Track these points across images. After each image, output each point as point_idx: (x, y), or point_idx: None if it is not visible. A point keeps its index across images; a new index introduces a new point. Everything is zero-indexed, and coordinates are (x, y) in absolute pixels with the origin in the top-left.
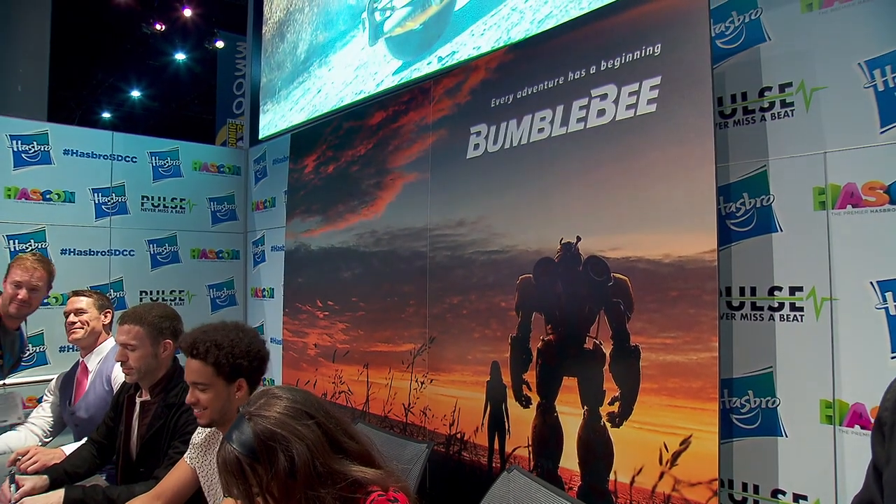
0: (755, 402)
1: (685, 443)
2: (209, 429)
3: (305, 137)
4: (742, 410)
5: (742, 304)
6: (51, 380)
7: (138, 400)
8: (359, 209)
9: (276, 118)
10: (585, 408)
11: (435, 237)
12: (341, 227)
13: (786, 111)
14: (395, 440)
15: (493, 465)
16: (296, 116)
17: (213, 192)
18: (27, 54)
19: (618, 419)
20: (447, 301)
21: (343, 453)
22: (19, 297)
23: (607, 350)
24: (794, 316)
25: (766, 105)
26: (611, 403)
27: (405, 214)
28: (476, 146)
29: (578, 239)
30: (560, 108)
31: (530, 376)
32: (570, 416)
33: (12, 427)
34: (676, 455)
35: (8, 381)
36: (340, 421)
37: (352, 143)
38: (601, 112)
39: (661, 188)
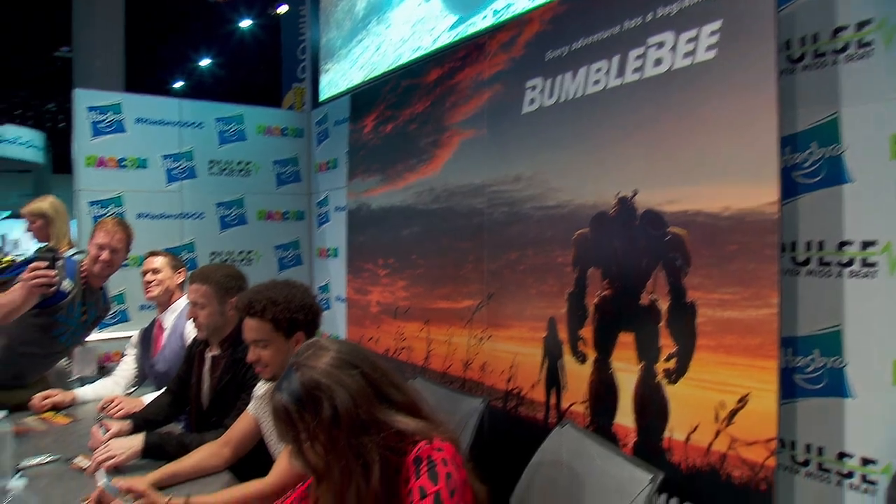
0: (821, 361)
1: (742, 401)
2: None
3: (364, 97)
4: (806, 370)
5: (808, 260)
6: (132, 336)
7: (208, 355)
8: (417, 167)
9: (337, 77)
10: (641, 364)
11: (492, 193)
12: (400, 185)
13: (863, 52)
14: (451, 395)
15: (549, 420)
16: (355, 75)
17: (277, 155)
18: (104, 30)
19: (674, 376)
20: (504, 257)
21: (388, 403)
22: (102, 258)
23: (664, 306)
24: (866, 272)
25: (839, 47)
26: (667, 360)
27: (462, 171)
28: (531, 101)
29: (635, 193)
30: (616, 59)
31: (587, 332)
32: (626, 372)
33: (88, 381)
34: (733, 413)
35: (93, 336)
36: (386, 372)
37: (409, 101)
38: (658, 61)
39: (720, 139)
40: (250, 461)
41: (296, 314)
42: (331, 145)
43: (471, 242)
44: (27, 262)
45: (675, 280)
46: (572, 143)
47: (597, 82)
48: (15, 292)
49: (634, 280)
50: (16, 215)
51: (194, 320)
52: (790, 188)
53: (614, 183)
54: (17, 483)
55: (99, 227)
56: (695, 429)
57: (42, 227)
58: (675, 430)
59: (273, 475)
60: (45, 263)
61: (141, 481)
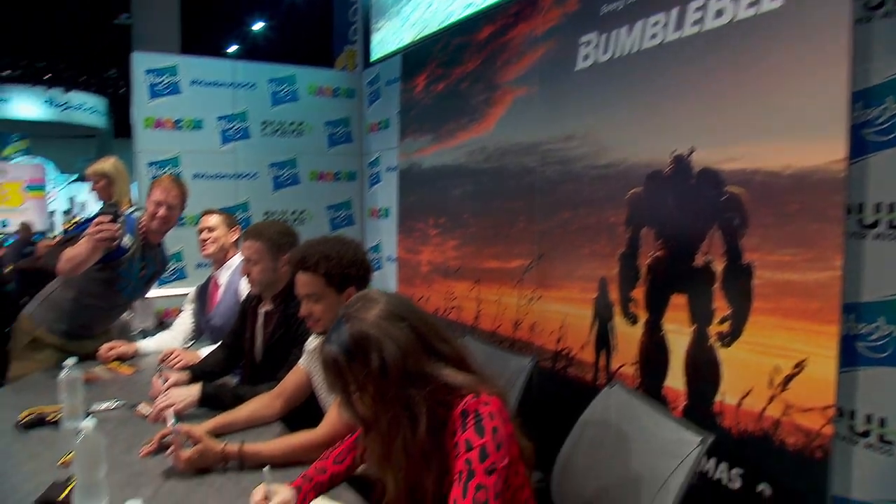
0: (886, 329)
1: (799, 366)
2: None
3: (416, 56)
4: (870, 338)
5: (876, 223)
6: (189, 292)
7: (261, 310)
8: (469, 126)
9: (388, 36)
10: (694, 326)
11: (544, 152)
12: (452, 144)
13: None
14: (499, 354)
15: (598, 381)
16: (407, 34)
17: (329, 116)
18: None
19: (727, 339)
20: (556, 217)
21: (436, 356)
22: (159, 214)
23: (719, 267)
24: None
25: None
26: (720, 322)
27: (514, 130)
28: (585, 57)
29: (691, 151)
30: (674, 12)
31: (638, 293)
32: (678, 334)
33: (149, 334)
34: (789, 378)
35: (153, 293)
36: (434, 326)
37: (461, 59)
38: (719, 13)
39: (784, 93)
40: (301, 413)
41: (348, 269)
42: (382, 105)
43: (522, 202)
44: (91, 218)
45: (732, 241)
46: (627, 100)
47: (654, 36)
48: (81, 246)
49: (689, 240)
50: (82, 178)
51: (247, 276)
52: (860, 146)
53: (670, 141)
54: (88, 423)
55: (156, 184)
56: (747, 393)
57: (105, 186)
58: (727, 394)
59: (323, 426)
60: (109, 218)
61: (197, 428)
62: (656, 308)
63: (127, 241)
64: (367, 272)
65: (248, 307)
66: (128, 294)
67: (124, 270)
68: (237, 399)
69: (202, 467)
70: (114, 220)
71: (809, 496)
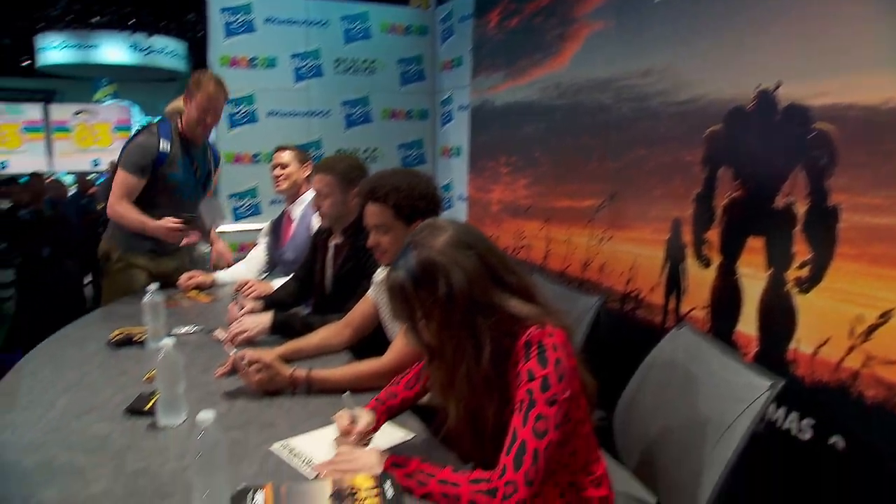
0: None
1: (885, 316)
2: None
3: None
4: None
5: None
6: (264, 226)
7: (331, 243)
8: (542, 62)
9: None
10: (770, 270)
11: (620, 88)
12: (525, 81)
13: None
14: (567, 293)
15: (667, 324)
16: None
17: (401, 54)
18: None
19: (806, 285)
20: (630, 155)
21: (502, 286)
22: (207, 121)
23: (801, 209)
24: None
25: None
26: (799, 267)
27: (589, 65)
28: None
29: (777, 85)
30: None
31: (713, 235)
32: (753, 278)
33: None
34: (872, 329)
35: (228, 227)
36: (502, 256)
37: None
38: None
39: (883, 20)
40: (369, 344)
41: (417, 202)
42: (455, 43)
43: (595, 140)
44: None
45: (817, 181)
46: (709, 32)
47: None
48: (141, 220)
49: (770, 180)
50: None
51: (318, 209)
52: None
53: (755, 75)
54: (167, 342)
55: (202, 88)
56: (825, 342)
57: None
58: (802, 342)
59: (389, 355)
60: (180, 223)
61: (268, 354)
62: (731, 251)
63: (164, 146)
64: (436, 206)
65: (318, 240)
66: (189, 196)
67: (175, 174)
68: (307, 327)
69: (272, 390)
70: (185, 225)
71: (886, 451)
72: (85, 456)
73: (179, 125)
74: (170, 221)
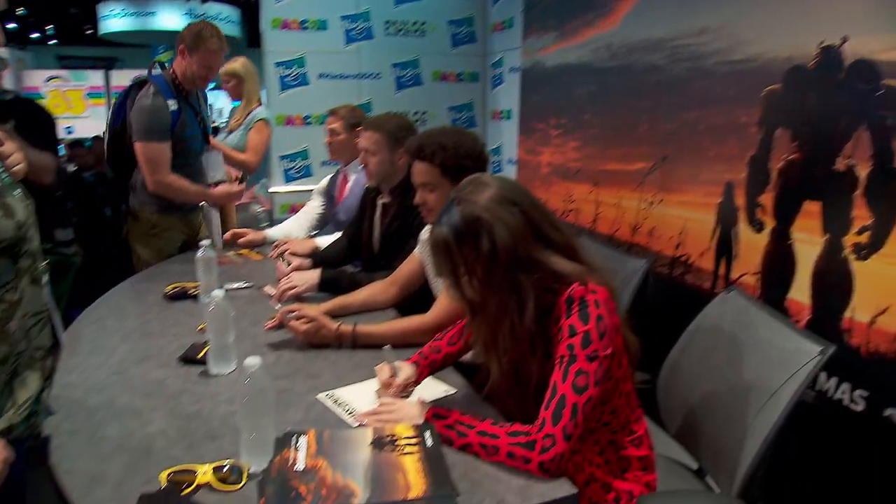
0: None
1: None
2: None
3: None
4: None
5: None
6: (313, 189)
7: (379, 202)
8: (595, 22)
9: None
10: (827, 236)
11: (674, 48)
12: (576, 42)
13: None
14: (614, 255)
15: (716, 290)
16: None
17: (452, 15)
18: None
19: (865, 251)
20: (683, 117)
21: (545, 243)
22: (210, 76)
23: (863, 172)
24: None
25: None
26: (859, 233)
27: (643, 25)
28: None
29: (844, 40)
30: None
31: (767, 199)
32: (808, 244)
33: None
34: None
35: (280, 188)
36: (546, 212)
37: None
38: None
39: None
40: (415, 302)
41: (463, 160)
42: (506, 4)
43: (647, 101)
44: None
45: (883, 142)
46: None
47: None
48: (195, 190)
49: (830, 142)
50: (218, 86)
51: (365, 167)
52: None
53: (818, 31)
54: (218, 293)
55: (205, 46)
56: (883, 311)
57: (235, 85)
58: (858, 311)
59: (433, 311)
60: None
61: (315, 308)
62: (785, 215)
63: (171, 104)
64: (483, 165)
65: (367, 199)
66: (198, 149)
67: (189, 131)
68: (354, 284)
69: (318, 343)
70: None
71: None
72: (143, 399)
73: (174, 77)
74: (225, 186)
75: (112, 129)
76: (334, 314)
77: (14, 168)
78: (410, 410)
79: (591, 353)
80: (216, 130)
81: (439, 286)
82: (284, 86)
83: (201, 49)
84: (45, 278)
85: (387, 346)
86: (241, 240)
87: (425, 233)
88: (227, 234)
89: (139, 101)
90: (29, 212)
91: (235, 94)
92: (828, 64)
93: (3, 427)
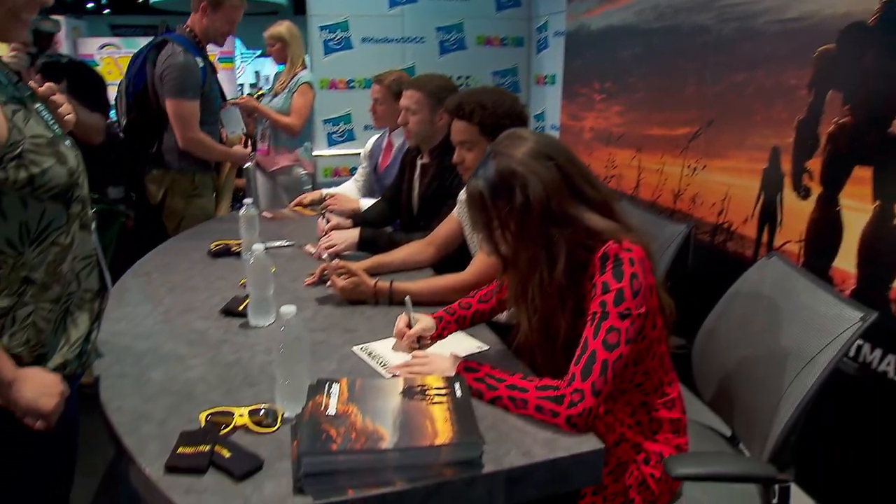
0: None
1: None
2: None
3: None
4: None
5: None
6: (356, 153)
7: (419, 162)
8: None
9: None
10: (877, 203)
11: (722, 7)
12: (622, 3)
13: None
14: (654, 220)
15: (758, 258)
16: None
17: None
18: None
19: None
20: (729, 79)
21: (580, 199)
22: (233, 30)
23: None
24: None
25: None
26: None
27: None
28: None
29: None
30: None
31: (814, 164)
32: (856, 210)
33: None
34: None
35: (324, 151)
36: (582, 169)
37: None
38: None
39: None
40: (453, 262)
41: (502, 119)
42: None
43: (694, 63)
44: None
45: None
46: None
47: None
48: (240, 154)
49: (886, 103)
50: (266, 54)
51: (405, 126)
52: None
53: None
54: (258, 247)
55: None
56: None
57: (280, 49)
58: None
59: (470, 269)
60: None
61: (354, 265)
62: (834, 181)
63: (200, 62)
64: (522, 124)
65: (407, 160)
66: (219, 106)
67: (212, 90)
68: (392, 244)
69: (355, 298)
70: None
71: None
72: (186, 346)
73: (194, 36)
74: (240, 147)
75: (134, 95)
76: (373, 272)
77: (65, 118)
78: (442, 364)
79: (624, 311)
80: (261, 97)
81: (476, 245)
82: (328, 49)
83: (225, 5)
84: (94, 225)
85: (407, 298)
86: (305, 200)
87: (463, 193)
88: (293, 203)
89: (170, 59)
90: (79, 160)
91: (280, 58)
92: (890, 19)
93: (58, 363)
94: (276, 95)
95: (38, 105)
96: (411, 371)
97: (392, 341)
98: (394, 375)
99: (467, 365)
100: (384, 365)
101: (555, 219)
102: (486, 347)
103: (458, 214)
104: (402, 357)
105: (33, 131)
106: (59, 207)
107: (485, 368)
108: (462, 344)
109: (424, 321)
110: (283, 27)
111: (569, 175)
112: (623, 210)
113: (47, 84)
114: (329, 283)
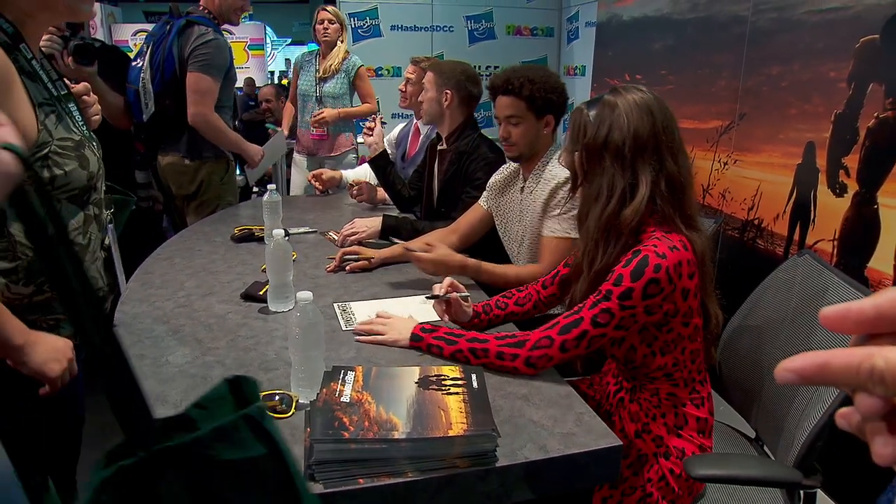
0: None
1: None
2: (507, 171)
3: None
4: None
5: None
6: (390, 134)
7: (439, 149)
8: None
9: None
10: None
11: None
12: None
13: None
14: None
15: (789, 255)
16: None
17: None
18: None
19: None
20: (765, 72)
21: (655, 164)
22: (244, 10)
23: None
24: None
25: None
26: None
27: None
28: None
29: None
30: None
31: (851, 160)
32: (894, 210)
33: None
34: None
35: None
36: (675, 142)
37: None
38: None
39: None
40: (475, 252)
41: (550, 94)
42: None
43: (728, 55)
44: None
45: None
46: None
47: None
48: (254, 150)
49: None
50: (297, 42)
51: (419, 101)
52: None
53: None
54: (278, 232)
55: None
56: None
57: (337, 29)
58: None
59: (546, 263)
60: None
61: (374, 252)
62: (872, 178)
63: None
64: (566, 101)
65: (429, 148)
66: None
67: (233, 73)
68: (415, 232)
69: (443, 273)
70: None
71: None
72: (205, 330)
73: (211, 16)
74: (256, 147)
75: (163, 83)
76: (398, 260)
77: (93, 118)
78: (401, 324)
79: (627, 304)
80: (282, 87)
81: (509, 232)
82: (357, 37)
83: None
84: (110, 225)
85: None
86: (323, 177)
87: (496, 177)
88: (309, 175)
89: (201, 37)
90: (99, 164)
91: (334, 39)
92: None
93: (69, 333)
94: (325, 80)
95: (71, 104)
96: (371, 329)
97: (369, 303)
98: (356, 334)
99: (424, 326)
100: (349, 321)
101: (622, 164)
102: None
103: (486, 204)
104: (372, 315)
105: (61, 134)
106: (75, 209)
107: (442, 329)
108: (427, 310)
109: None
110: (336, 9)
111: (657, 137)
112: (696, 202)
113: (82, 84)
114: (348, 267)
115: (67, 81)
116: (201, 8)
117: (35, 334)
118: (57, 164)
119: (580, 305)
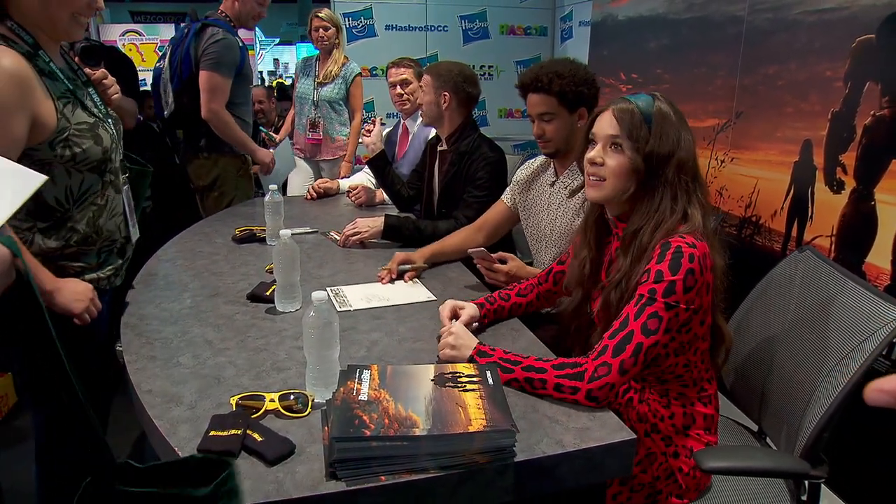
0: None
1: None
2: (534, 166)
3: None
4: None
5: None
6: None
7: (439, 149)
8: None
9: None
10: None
11: None
12: None
13: None
14: None
15: (787, 253)
16: None
17: None
18: None
19: None
20: (761, 71)
21: (688, 183)
22: (262, 16)
23: None
24: None
25: None
26: None
27: None
28: None
29: None
30: None
31: (848, 157)
32: (892, 205)
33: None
34: None
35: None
36: (695, 157)
37: None
38: None
39: None
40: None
41: (581, 87)
42: None
43: (724, 55)
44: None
45: None
46: None
47: None
48: (263, 153)
49: None
50: (285, 41)
51: (419, 102)
52: None
53: None
54: (284, 232)
55: None
56: None
57: (334, 33)
58: None
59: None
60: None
61: (411, 255)
62: (869, 175)
63: (238, 41)
64: (597, 92)
65: (429, 149)
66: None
67: (248, 71)
68: (417, 231)
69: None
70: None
71: None
72: (213, 331)
73: (228, 19)
74: (269, 155)
75: (181, 82)
76: (432, 261)
77: (113, 96)
78: (467, 341)
79: (672, 302)
80: (282, 87)
81: (535, 229)
82: (351, 37)
83: None
84: (126, 188)
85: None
86: (321, 187)
87: (521, 172)
88: (310, 188)
89: (212, 37)
90: (114, 139)
91: (331, 43)
92: None
93: (91, 278)
94: (323, 84)
95: (90, 89)
96: (444, 340)
97: (361, 287)
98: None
99: (481, 349)
100: (343, 304)
101: (663, 175)
102: (433, 298)
103: (510, 200)
104: (363, 297)
105: (78, 119)
106: (95, 177)
107: (498, 352)
108: (414, 292)
109: (470, 308)
110: (332, 13)
111: (692, 152)
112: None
113: (101, 70)
114: (406, 277)
115: (88, 70)
116: (220, 12)
117: (61, 281)
118: (76, 144)
119: (622, 319)
